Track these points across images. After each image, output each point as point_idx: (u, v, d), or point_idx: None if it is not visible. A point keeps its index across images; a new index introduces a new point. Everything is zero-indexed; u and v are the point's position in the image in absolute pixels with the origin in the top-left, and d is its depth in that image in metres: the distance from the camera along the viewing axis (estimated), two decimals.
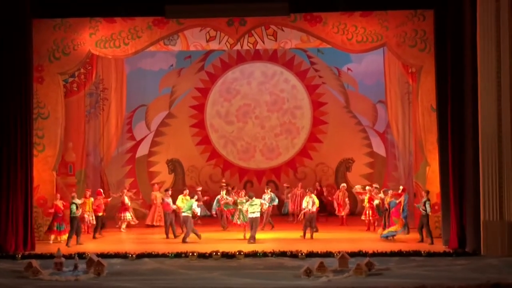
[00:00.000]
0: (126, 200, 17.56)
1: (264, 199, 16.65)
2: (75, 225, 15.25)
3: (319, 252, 13.46)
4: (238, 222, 16.05)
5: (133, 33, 15.79)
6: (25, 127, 14.65)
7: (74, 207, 15.22)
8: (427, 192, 15.10)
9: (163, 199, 17.06)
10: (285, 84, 21.11)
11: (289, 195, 19.00)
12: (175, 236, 16.05)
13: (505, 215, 13.24)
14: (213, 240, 15.59)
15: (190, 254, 13.38)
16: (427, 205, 14.83)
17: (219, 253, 13.38)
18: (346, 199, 18.28)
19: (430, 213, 14.91)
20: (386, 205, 15.55)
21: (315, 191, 17.86)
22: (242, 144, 21.16)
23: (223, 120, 21.15)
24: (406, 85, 17.68)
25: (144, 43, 15.89)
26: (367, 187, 17.45)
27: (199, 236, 15.43)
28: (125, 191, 17.94)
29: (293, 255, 13.37)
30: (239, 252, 13.41)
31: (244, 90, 21.13)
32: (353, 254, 12.83)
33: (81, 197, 16.96)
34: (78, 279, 11.54)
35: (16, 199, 14.39)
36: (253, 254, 13.48)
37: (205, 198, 18.17)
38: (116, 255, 13.51)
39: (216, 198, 17.46)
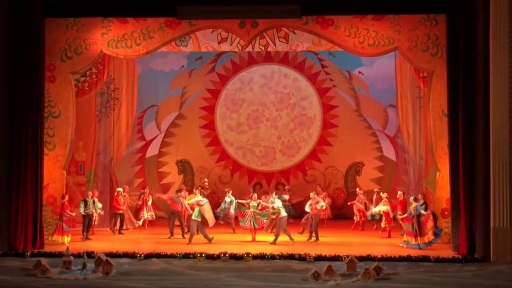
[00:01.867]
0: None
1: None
2: (86, 222, 15.91)
3: (327, 255, 13.43)
4: (248, 226, 15.97)
5: (145, 33, 15.83)
6: (36, 125, 14.73)
7: (82, 204, 15.82)
8: (423, 195, 15.41)
9: (172, 199, 17.12)
10: (286, 80, 21.16)
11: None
12: (184, 237, 16.25)
13: None
14: (221, 242, 15.60)
15: (198, 255, 13.40)
16: (422, 208, 15.09)
17: (227, 255, 13.39)
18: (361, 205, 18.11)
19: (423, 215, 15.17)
20: (413, 212, 15.34)
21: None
22: (261, 150, 21.20)
23: (236, 131, 21.18)
24: (417, 90, 17.60)
25: (155, 43, 15.92)
26: (382, 194, 17.34)
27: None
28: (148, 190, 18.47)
29: (301, 258, 13.35)
30: (247, 254, 13.41)
31: (248, 97, 21.16)
32: (361, 258, 12.79)
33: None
34: (86, 278, 11.58)
35: (25, 197, 14.47)
36: (261, 256, 13.47)
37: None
38: (125, 255, 13.55)
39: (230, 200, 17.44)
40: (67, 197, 15.69)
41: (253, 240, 15.84)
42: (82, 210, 16.01)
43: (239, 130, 21.20)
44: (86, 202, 16.06)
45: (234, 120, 21.21)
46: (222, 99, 21.14)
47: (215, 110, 21.20)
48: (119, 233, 17.27)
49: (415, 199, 15.32)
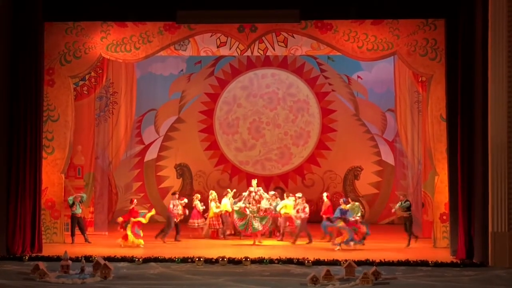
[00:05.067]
0: (199, 205, 17.36)
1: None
2: (75, 223, 15.91)
3: (326, 260, 13.43)
4: (248, 232, 15.91)
5: (144, 37, 15.87)
6: (35, 129, 14.72)
7: (70, 201, 15.93)
8: (405, 196, 16.15)
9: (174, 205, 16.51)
10: (266, 79, 21.13)
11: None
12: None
13: None
14: (220, 246, 15.60)
15: (197, 259, 13.38)
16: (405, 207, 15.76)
17: (225, 259, 13.38)
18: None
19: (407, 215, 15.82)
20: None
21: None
22: (276, 153, 21.17)
23: (245, 150, 21.13)
24: (416, 94, 17.65)
25: (155, 47, 15.95)
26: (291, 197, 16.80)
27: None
28: (199, 195, 17.72)
29: (300, 263, 13.34)
30: (246, 258, 13.40)
31: (240, 114, 21.11)
32: (360, 263, 12.79)
33: (89, 199, 17.15)
34: (84, 282, 11.56)
35: (24, 201, 14.45)
36: (260, 261, 13.46)
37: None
38: (123, 259, 13.54)
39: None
40: (135, 201, 16.15)
41: (253, 244, 15.78)
42: (70, 201, 15.97)
43: (247, 147, 21.18)
44: (73, 203, 16.06)
45: (238, 141, 21.17)
46: (218, 128, 21.13)
47: (214, 127, 21.17)
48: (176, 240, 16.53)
49: (345, 201, 15.71)
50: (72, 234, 15.98)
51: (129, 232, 15.46)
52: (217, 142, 21.23)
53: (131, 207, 16.02)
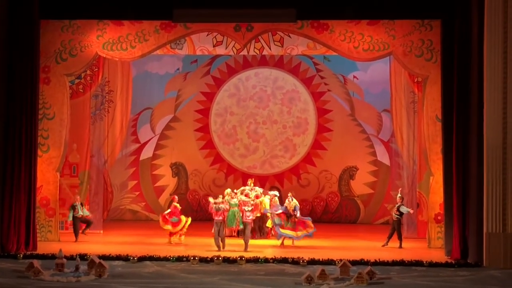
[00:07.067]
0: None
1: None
2: (77, 224, 16.04)
3: (321, 259, 13.45)
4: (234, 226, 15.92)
5: (140, 36, 15.85)
6: (30, 127, 14.69)
7: (71, 210, 16.12)
8: (402, 198, 15.88)
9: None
10: (250, 81, 21.09)
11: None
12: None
13: (508, 227, 13.21)
14: (214, 245, 15.58)
15: (192, 258, 13.38)
16: (403, 210, 15.62)
17: (220, 258, 13.39)
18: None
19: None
20: (291, 211, 15.70)
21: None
22: (280, 148, 21.15)
23: (250, 154, 21.08)
24: (412, 95, 17.67)
25: (151, 46, 15.93)
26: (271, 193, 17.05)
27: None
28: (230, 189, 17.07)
29: (295, 262, 13.35)
30: (241, 257, 13.41)
31: (236, 121, 21.07)
32: (354, 262, 12.81)
33: (84, 197, 17.12)
34: (79, 280, 11.54)
35: (19, 199, 14.42)
36: (255, 260, 13.47)
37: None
38: (118, 258, 13.53)
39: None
40: (176, 198, 16.24)
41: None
42: (70, 217, 16.15)
43: (250, 151, 21.15)
44: (74, 207, 16.13)
45: (241, 148, 21.14)
46: (217, 141, 21.12)
47: (209, 126, 21.17)
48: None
49: (292, 197, 15.99)
50: (76, 234, 16.00)
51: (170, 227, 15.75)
52: (212, 141, 21.22)
53: (173, 205, 16.03)
